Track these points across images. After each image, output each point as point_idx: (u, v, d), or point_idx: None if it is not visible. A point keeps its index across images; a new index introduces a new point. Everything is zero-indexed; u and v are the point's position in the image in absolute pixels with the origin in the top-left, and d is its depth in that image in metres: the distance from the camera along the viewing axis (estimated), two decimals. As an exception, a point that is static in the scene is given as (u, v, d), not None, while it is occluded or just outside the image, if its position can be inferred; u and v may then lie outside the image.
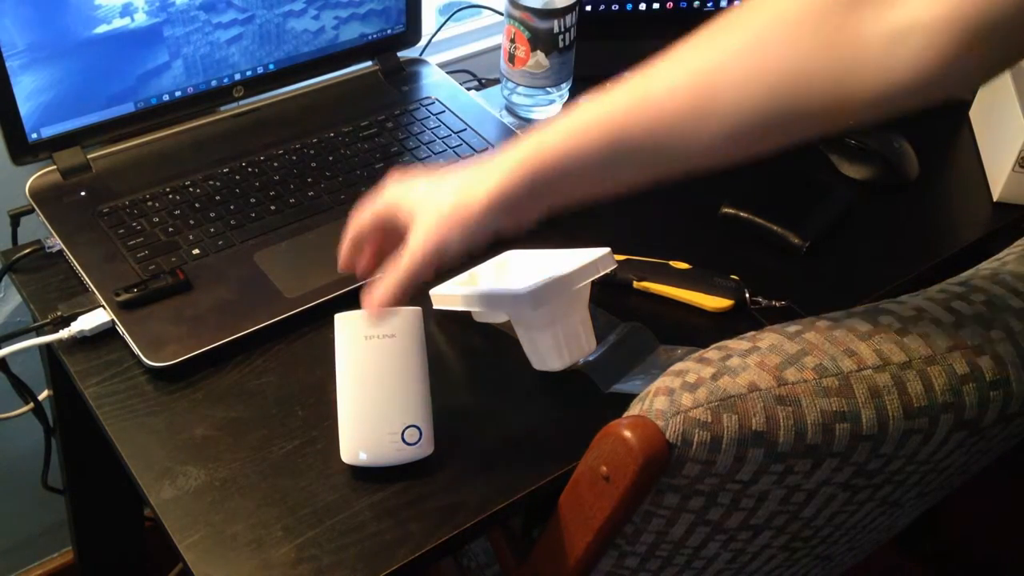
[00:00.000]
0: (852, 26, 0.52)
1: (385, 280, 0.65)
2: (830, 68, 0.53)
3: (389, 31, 1.08)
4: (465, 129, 1.03)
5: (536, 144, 0.61)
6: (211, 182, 0.93)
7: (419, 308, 0.71)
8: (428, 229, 0.63)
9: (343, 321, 0.71)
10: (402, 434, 0.70)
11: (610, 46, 1.16)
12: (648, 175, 0.61)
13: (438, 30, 1.19)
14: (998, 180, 1.00)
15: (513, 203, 0.61)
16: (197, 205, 0.90)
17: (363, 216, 0.68)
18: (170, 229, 0.88)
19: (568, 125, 0.60)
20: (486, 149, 1.01)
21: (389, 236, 0.68)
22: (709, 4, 1.18)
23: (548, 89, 1.07)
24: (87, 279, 0.83)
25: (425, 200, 0.64)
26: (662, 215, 0.97)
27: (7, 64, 0.84)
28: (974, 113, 1.11)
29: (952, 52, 0.49)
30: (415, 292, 0.66)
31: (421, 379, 0.71)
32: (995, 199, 1.01)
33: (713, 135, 0.57)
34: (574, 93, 1.10)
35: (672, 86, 0.57)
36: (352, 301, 0.82)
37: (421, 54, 1.15)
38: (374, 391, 0.70)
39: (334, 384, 0.77)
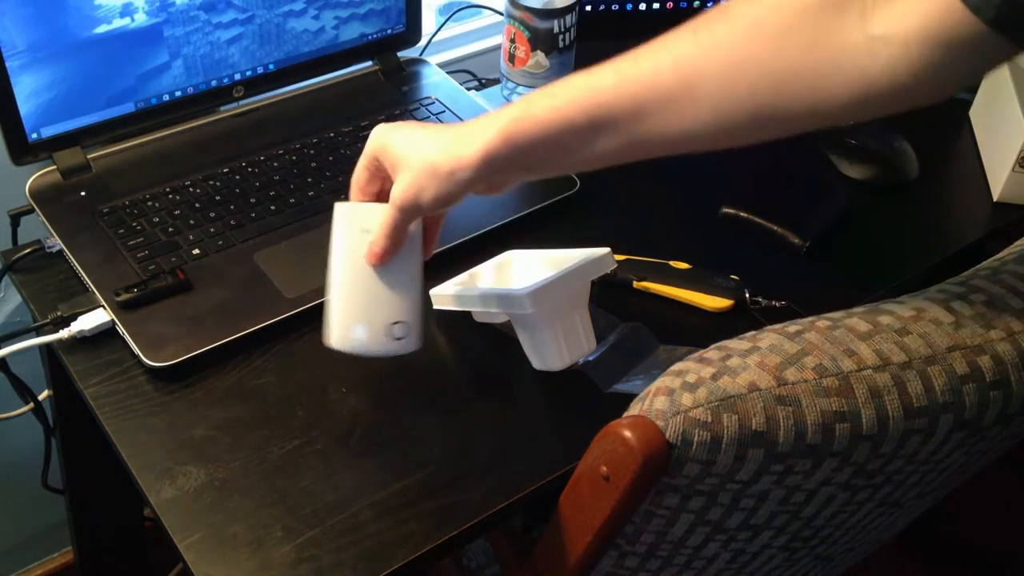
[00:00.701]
0: (835, 30, 0.55)
1: (374, 234, 0.69)
2: (811, 68, 0.56)
3: (389, 31, 1.08)
4: (465, 129, 1.03)
5: (521, 111, 0.63)
6: (211, 182, 0.93)
7: None
8: (405, 180, 0.66)
9: (343, 211, 0.71)
10: (391, 328, 0.71)
11: (610, 46, 1.15)
12: (627, 154, 0.63)
13: (438, 30, 1.19)
14: (998, 180, 1.00)
15: (493, 167, 0.63)
16: (197, 205, 0.90)
17: (358, 169, 0.71)
18: (170, 229, 0.88)
19: (553, 95, 0.62)
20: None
21: (387, 180, 0.70)
22: (709, 3, 1.18)
23: (548, 89, 1.06)
24: (87, 279, 0.83)
25: (409, 153, 0.66)
26: (662, 215, 0.97)
27: (7, 64, 0.84)
28: (974, 113, 1.11)
29: (925, 64, 0.53)
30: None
31: (414, 277, 0.72)
32: (995, 199, 1.01)
33: (694, 121, 0.59)
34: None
35: (658, 67, 0.59)
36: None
37: (421, 54, 1.15)
38: (367, 283, 0.70)
39: (334, 384, 0.77)
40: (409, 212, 0.67)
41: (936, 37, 0.52)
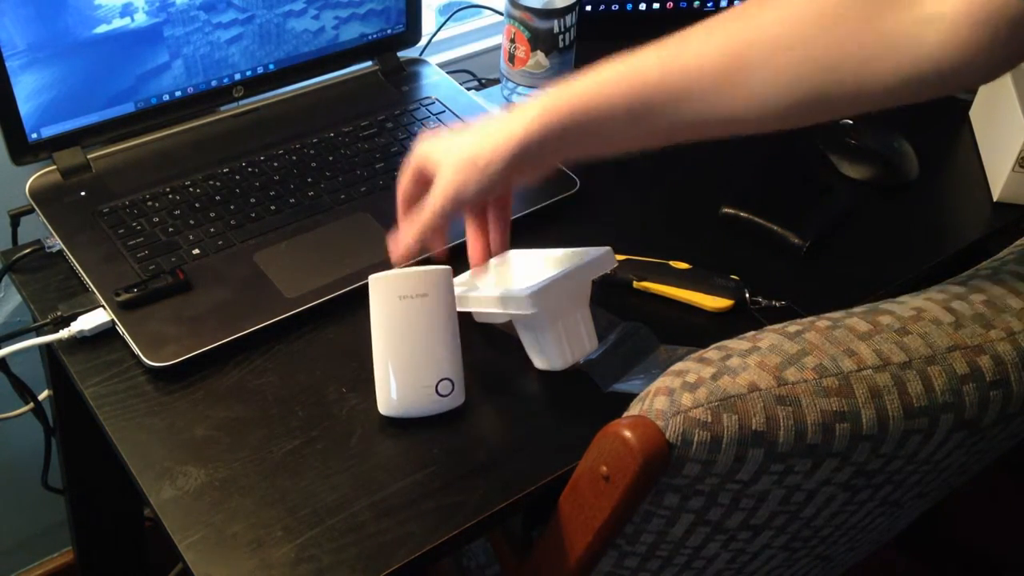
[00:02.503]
0: (885, 13, 0.54)
1: (407, 225, 0.69)
2: (859, 51, 0.55)
3: (389, 31, 1.08)
4: (465, 129, 1.03)
5: (559, 95, 0.63)
6: (211, 182, 0.93)
7: (449, 267, 0.73)
8: (447, 176, 0.66)
9: (378, 282, 0.72)
10: (436, 387, 0.73)
11: (610, 46, 1.15)
12: (664, 137, 0.63)
13: (438, 30, 1.19)
14: (998, 180, 1.00)
15: (531, 152, 0.64)
16: (197, 205, 0.90)
17: (402, 178, 0.71)
18: (170, 229, 0.88)
19: (594, 79, 0.62)
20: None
21: (432, 186, 0.70)
22: (709, 4, 1.18)
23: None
24: (87, 279, 0.83)
25: (448, 150, 0.67)
26: (662, 215, 0.97)
27: (7, 64, 0.84)
28: (974, 113, 1.11)
29: (972, 44, 0.52)
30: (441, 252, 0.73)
31: (452, 334, 0.73)
32: (995, 199, 1.01)
33: (738, 107, 0.59)
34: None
35: (702, 54, 0.59)
36: (352, 300, 0.82)
37: (421, 54, 1.15)
38: (410, 347, 0.72)
39: (334, 385, 0.77)
40: (452, 203, 0.67)
41: (982, 17, 0.52)
